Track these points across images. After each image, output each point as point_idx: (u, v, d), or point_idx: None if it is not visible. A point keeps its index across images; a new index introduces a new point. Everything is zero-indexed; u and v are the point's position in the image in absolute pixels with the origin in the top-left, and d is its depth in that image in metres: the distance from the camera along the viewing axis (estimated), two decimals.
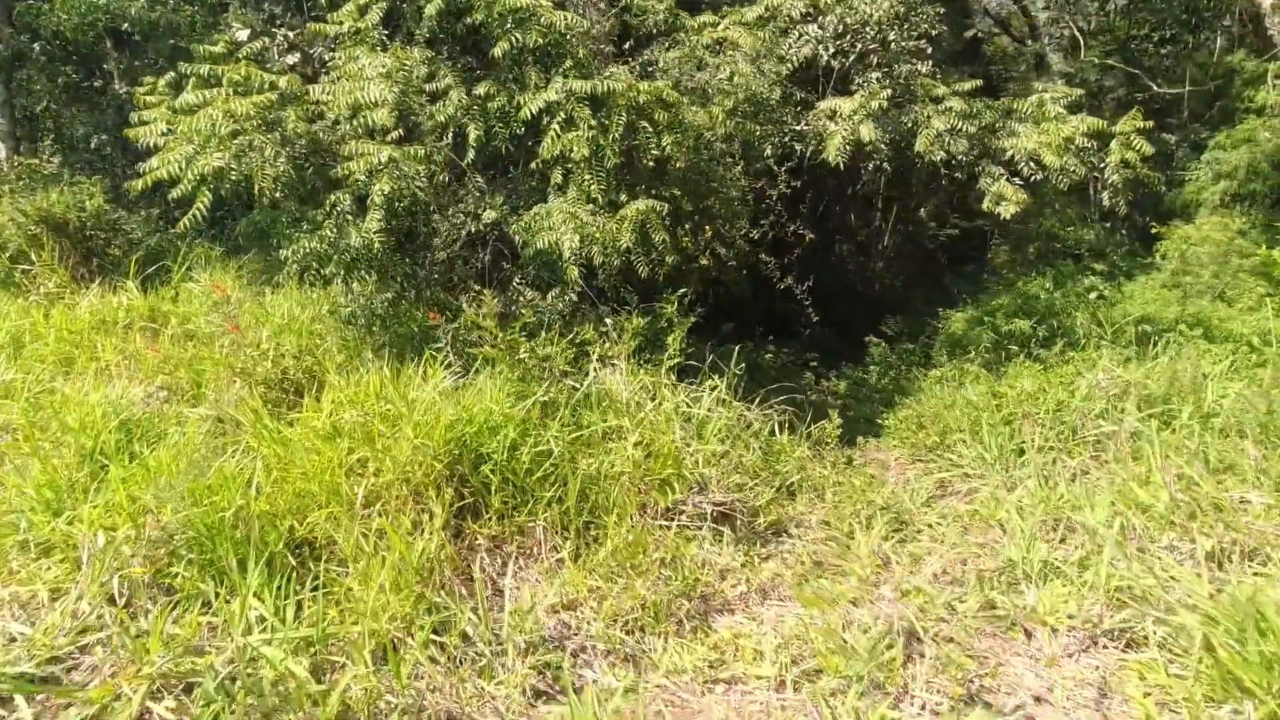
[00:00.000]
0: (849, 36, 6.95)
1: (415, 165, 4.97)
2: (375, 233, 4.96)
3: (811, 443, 5.96)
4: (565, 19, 5.19)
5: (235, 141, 4.98)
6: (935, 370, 8.60)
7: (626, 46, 6.95)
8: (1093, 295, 9.43)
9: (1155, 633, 3.25)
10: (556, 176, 5.54)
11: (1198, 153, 10.58)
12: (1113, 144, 7.00)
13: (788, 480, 4.90)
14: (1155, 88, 11.60)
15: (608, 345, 5.33)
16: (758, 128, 6.32)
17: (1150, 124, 7.04)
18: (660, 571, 3.63)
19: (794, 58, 6.99)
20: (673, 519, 4.15)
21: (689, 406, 4.80)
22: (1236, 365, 6.45)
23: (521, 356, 4.73)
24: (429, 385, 4.45)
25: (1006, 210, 6.85)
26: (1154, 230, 9.15)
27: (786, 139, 7.28)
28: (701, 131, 5.79)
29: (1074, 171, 6.71)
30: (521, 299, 6.26)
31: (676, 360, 5.33)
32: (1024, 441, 5.56)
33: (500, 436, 3.89)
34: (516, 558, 3.71)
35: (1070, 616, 3.52)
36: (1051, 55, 14.98)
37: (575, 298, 5.94)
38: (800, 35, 6.95)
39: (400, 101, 5.07)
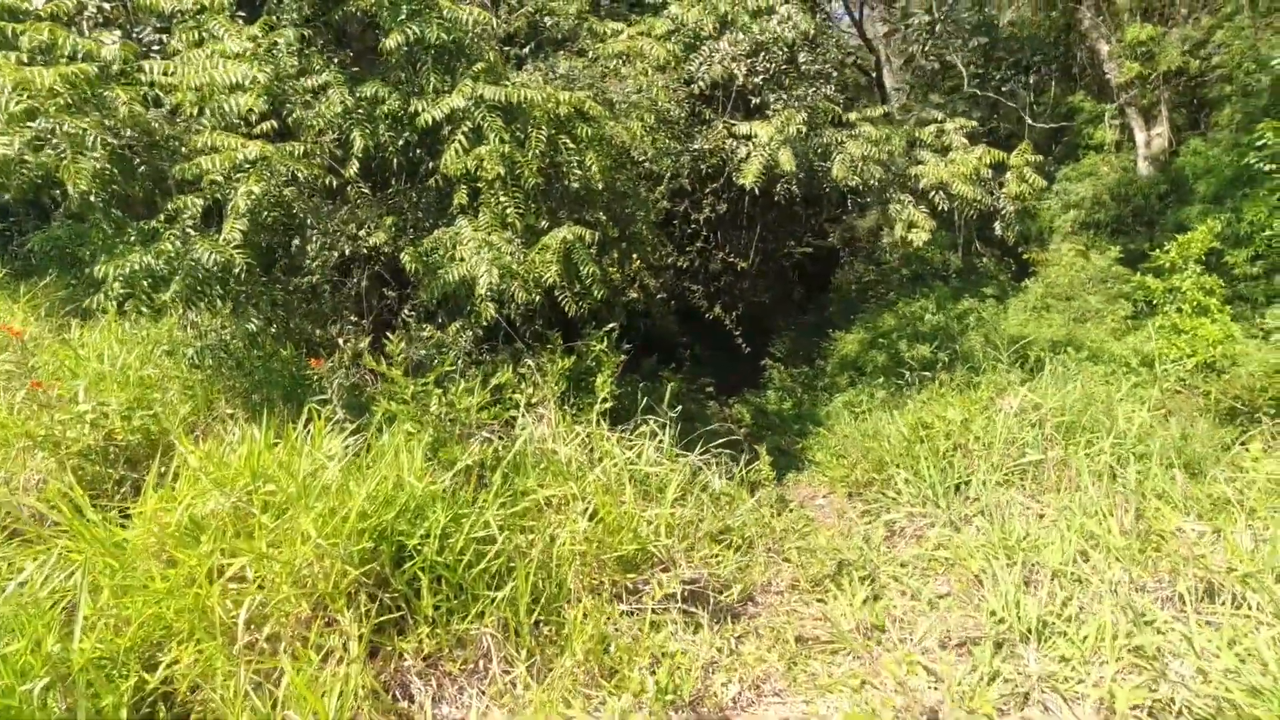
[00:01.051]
0: (761, 55, 6.66)
1: (292, 165, 4.00)
2: (236, 247, 3.95)
3: (748, 487, 5.54)
4: (473, 13, 4.44)
5: (32, 125, 3.78)
6: (841, 395, 8.54)
7: (526, 51, 6.26)
8: (971, 317, 9.83)
9: (1182, 702, 3.04)
10: (461, 196, 4.75)
11: (1048, 184, 11.41)
12: (1008, 175, 7.19)
13: (744, 536, 4.39)
14: (1000, 123, 12.49)
15: (530, 390, 4.60)
16: (676, 145, 5.84)
17: (1040, 157, 7.32)
18: (641, 677, 2.97)
19: (705, 77, 6.61)
20: (636, 603, 3.50)
21: (635, 462, 4.17)
22: (1122, 386, 6.77)
23: (435, 411, 3.90)
24: (320, 453, 3.52)
25: (918, 237, 6.83)
26: (1025, 256, 9.67)
27: (693, 159, 6.88)
28: (624, 148, 5.21)
29: (980, 201, 6.81)
30: (414, 334, 5.38)
31: (608, 405, 4.70)
32: (962, 475, 5.42)
33: (428, 522, 3.06)
34: (458, 679, 2.91)
35: (1080, 682, 3.25)
36: (893, 90, 15.90)
37: (482, 333, 5.15)
38: (711, 52, 6.58)
39: (273, 87, 4.09)
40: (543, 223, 4.64)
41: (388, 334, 5.51)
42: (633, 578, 3.52)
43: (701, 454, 4.91)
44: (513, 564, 3.20)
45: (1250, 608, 3.63)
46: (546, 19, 5.68)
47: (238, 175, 3.91)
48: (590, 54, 6.06)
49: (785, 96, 6.91)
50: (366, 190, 4.70)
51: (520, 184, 4.55)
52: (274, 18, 4.57)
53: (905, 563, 4.66)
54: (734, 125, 6.88)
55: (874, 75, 14.63)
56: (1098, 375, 7.21)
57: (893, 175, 7.10)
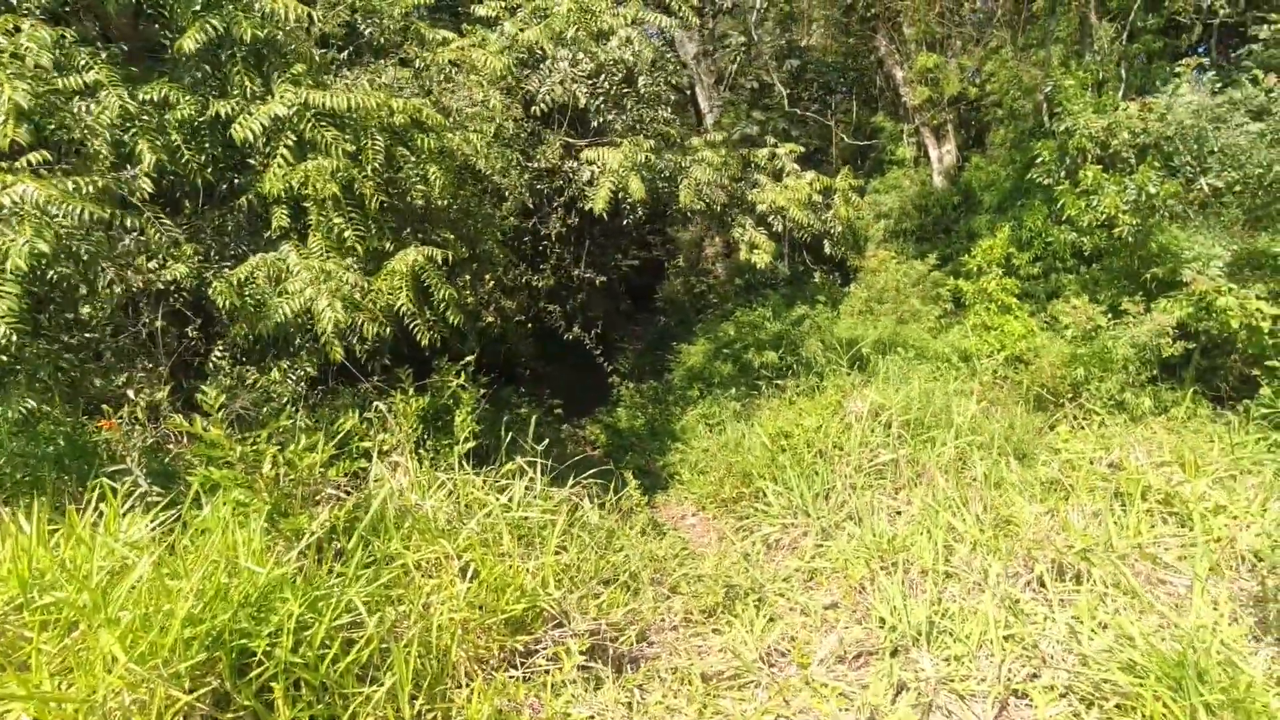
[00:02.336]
0: (602, 76, 6.52)
1: (79, 205, 3.21)
2: (8, 320, 3.10)
3: (620, 515, 5.32)
4: (293, 7, 3.85)
5: None
6: (693, 409, 8.58)
7: (344, 56, 5.65)
8: (806, 323, 10.33)
9: (1065, 686, 3.19)
10: (280, 218, 4.12)
11: (858, 196, 12.33)
12: (835, 198, 7.60)
13: (630, 573, 4.14)
14: (805, 142, 13.39)
15: (382, 436, 4.07)
16: (518, 157, 5.53)
17: (861, 181, 7.80)
18: None
19: (546, 99, 6.32)
20: (529, 667, 3.13)
21: (509, 507, 3.79)
22: (950, 382, 7.36)
23: (270, 473, 3.29)
24: (121, 542, 2.82)
25: (760, 259, 7.01)
26: (850, 263, 10.31)
27: (532, 178, 6.59)
28: (466, 162, 4.82)
29: (811, 226, 7.12)
30: (232, 381, 4.62)
31: (471, 444, 4.28)
32: (826, 481, 5.55)
33: (277, 616, 2.51)
34: None
35: (981, 681, 3.34)
36: (708, 112, 16.58)
37: (314, 374, 4.52)
38: (551, 71, 6.32)
39: (38, 105, 3.27)
40: (386, 245, 4.13)
41: (196, 382, 4.69)
42: (524, 640, 3.15)
43: (571, 486, 4.62)
44: (386, 647, 2.72)
45: (1094, 581, 3.96)
46: (366, 21, 5.13)
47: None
48: (417, 63, 5.58)
49: (624, 118, 6.81)
50: (156, 215, 3.93)
51: (359, 203, 4.01)
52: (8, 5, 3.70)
53: (788, 577, 4.66)
54: (577, 146, 6.68)
55: (689, 93, 15.13)
56: (924, 372, 7.78)
57: (733, 199, 7.25)
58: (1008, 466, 5.38)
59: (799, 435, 6.13)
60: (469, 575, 3.22)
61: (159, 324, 5.25)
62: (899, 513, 5.22)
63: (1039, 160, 8.24)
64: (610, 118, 6.82)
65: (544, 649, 3.21)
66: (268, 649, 2.43)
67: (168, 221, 3.87)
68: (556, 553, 3.64)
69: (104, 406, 4.58)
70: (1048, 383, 6.70)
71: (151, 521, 3.14)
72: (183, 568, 2.58)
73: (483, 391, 4.46)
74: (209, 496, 3.20)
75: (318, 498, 3.40)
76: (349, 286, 3.87)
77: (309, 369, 4.49)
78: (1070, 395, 6.66)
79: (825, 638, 3.78)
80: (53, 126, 3.51)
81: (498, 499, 3.77)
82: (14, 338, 3.06)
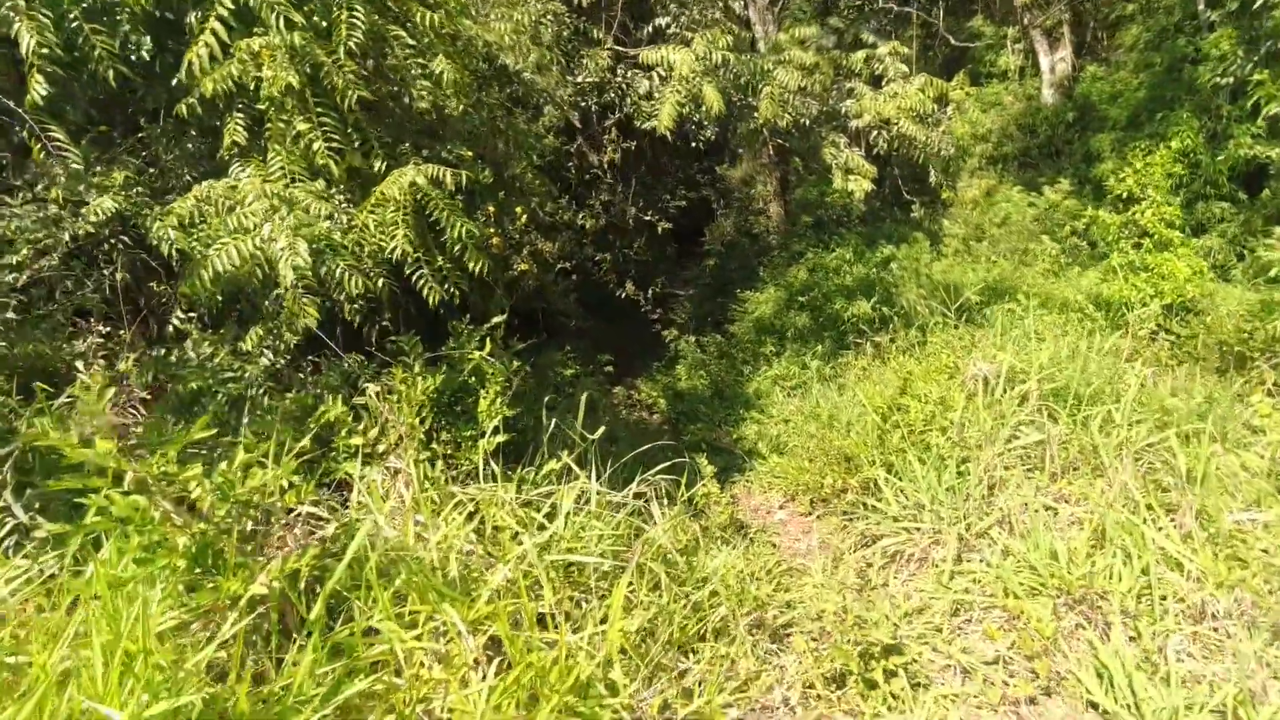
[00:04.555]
0: None
1: None
2: None
3: (692, 513, 4.21)
4: None
5: None
6: (767, 369, 7.34)
7: None
8: (893, 266, 8.90)
9: None
10: (235, 130, 2.96)
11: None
12: (950, 111, 6.14)
13: (716, 624, 3.00)
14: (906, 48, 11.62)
15: (372, 429, 2.97)
16: (558, 57, 4.25)
17: (974, 90, 6.28)
18: None
19: None
20: None
21: (549, 546, 2.65)
22: (1097, 338, 5.94)
23: (206, 499, 2.20)
24: None
25: (859, 186, 5.65)
26: (943, 195, 8.77)
27: (575, 94, 5.28)
28: (491, 55, 3.56)
29: (927, 144, 5.69)
30: (187, 347, 3.55)
31: (500, 437, 3.16)
32: (955, 471, 4.30)
33: None
34: None
35: None
36: (761, 38, 14.77)
37: (293, 344, 3.42)
38: None
39: None
40: (376, 164, 2.95)
41: (171, 350, 3.65)
42: None
43: (638, 482, 3.48)
44: None
45: None
46: None
47: None
48: None
49: (686, 16, 5.43)
50: (59, 134, 2.81)
51: (332, 101, 2.82)
52: None
53: (924, 608, 3.48)
54: (629, 53, 5.34)
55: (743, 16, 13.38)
56: (1051, 325, 6.37)
57: (823, 113, 5.85)
58: (1212, 455, 4.03)
59: (915, 409, 4.85)
60: (492, 659, 2.12)
61: (117, 278, 4.23)
62: (1052, 509, 3.97)
63: (1203, 57, 6.55)
64: (672, 14, 5.43)
65: None
66: None
67: (58, 135, 2.74)
68: (625, 616, 2.52)
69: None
70: (1229, 338, 5.25)
71: (24, 576, 2.11)
72: (44, 678, 1.52)
73: (515, 364, 3.30)
74: (111, 539, 2.15)
75: (268, 529, 2.32)
76: (322, 222, 2.71)
77: (292, 336, 3.38)
78: (1262, 353, 5.20)
79: None
80: None
81: (535, 525, 2.64)
82: None
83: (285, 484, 2.39)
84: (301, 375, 3.32)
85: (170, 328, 3.79)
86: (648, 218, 5.74)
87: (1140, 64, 8.93)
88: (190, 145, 3.33)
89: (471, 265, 2.96)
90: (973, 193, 9.26)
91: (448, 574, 2.28)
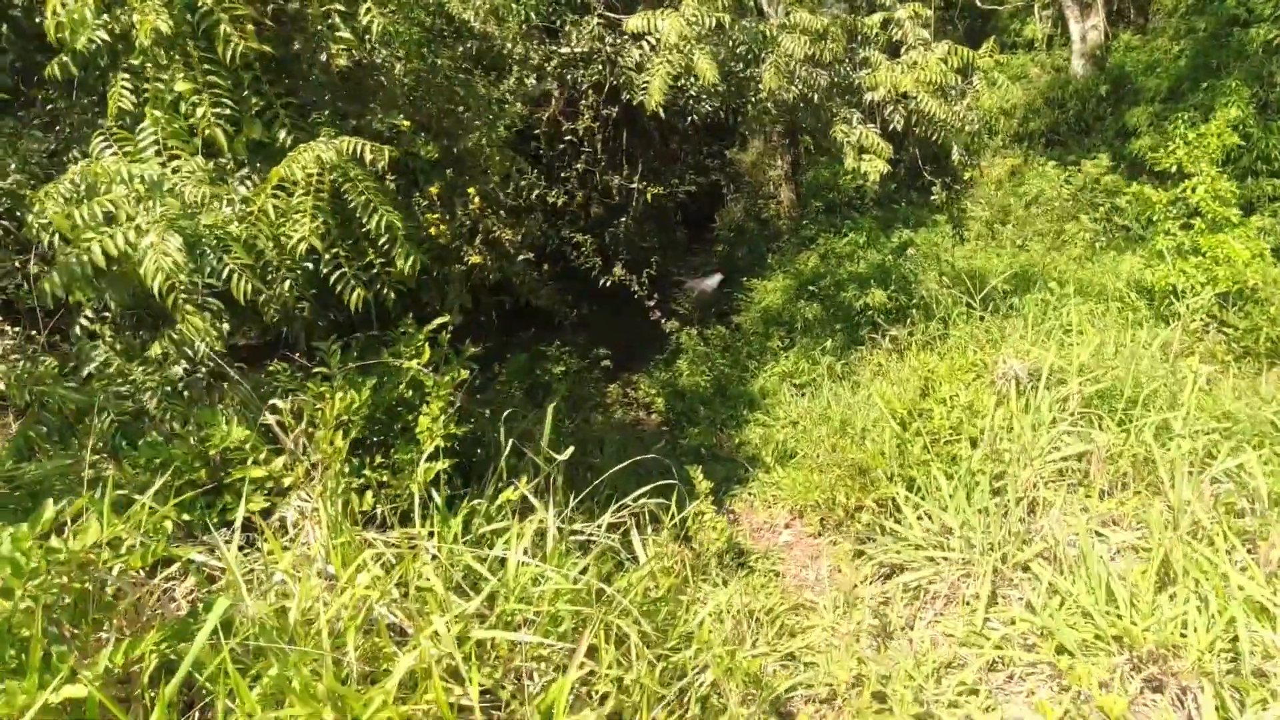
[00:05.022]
0: None
1: None
2: None
3: (682, 540, 3.68)
4: None
5: None
6: (774, 364, 6.77)
7: None
8: (909, 251, 8.29)
9: None
10: (121, 96, 2.43)
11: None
12: (977, 81, 5.52)
13: (700, 683, 2.46)
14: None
15: (276, 458, 2.45)
16: (530, 13, 3.68)
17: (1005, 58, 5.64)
18: None
19: None
20: None
21: (485, 614, 2.13)
22: (1144, 329, 5.33)
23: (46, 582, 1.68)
24: None
25: (873, 167, 5.05)
26: (967, 174, 8.13)
27: (561, 66, 4.70)
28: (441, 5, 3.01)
29: (948, 120, 5.08)
30: (110, 353, 3.05)
31: (441, 464, 2.63)
32: (987, 488, 3.73)
33: None
34: None
35: None
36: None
37: (213, 349, 2.90)
38: None
39: None
40: (281, 136, 2.41)
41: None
42: None
43: (615, 515, 2.94)
44: None
45: None
46: None
47: None
48: None
49: None
50: None
51: (216, 48, 2.28)
52: None
53: (952, 659, 2.94)
54: (618, 19, 4.75)
55: None
56: (1089, 317, 5.77)
57: (834, 85, 5.26)
58: None
59: (939, 415, 4.28)
60: None
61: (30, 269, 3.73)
62: (1101, 535, 3.40)
63: (1256, 19, 5.87)
64: None
65: None
66: None
67: None
68: (582, 684, 2.00)
69: None
70: None
71: None
72: None
73: (462, 375, 2.76)
74: None
75: (119, 606, 1.80)
76: (223, 208, 2.18)
77: (209, 343, 2.85)
78: None
79: None
80: None
81: (473, 580, 2.12)
82: None
83: (143, 536, 1.88)
84: (211, 389, 2.81)
85: (76, 329, 3.29)
86: (634, 186, 5.16)
87: (1181, 29, 8.22)
88: (78, 115, 2.80)
89: (400, 263, 2.42)
90: (997, 172, 8.62)
91: (341, 670, 1.75)
